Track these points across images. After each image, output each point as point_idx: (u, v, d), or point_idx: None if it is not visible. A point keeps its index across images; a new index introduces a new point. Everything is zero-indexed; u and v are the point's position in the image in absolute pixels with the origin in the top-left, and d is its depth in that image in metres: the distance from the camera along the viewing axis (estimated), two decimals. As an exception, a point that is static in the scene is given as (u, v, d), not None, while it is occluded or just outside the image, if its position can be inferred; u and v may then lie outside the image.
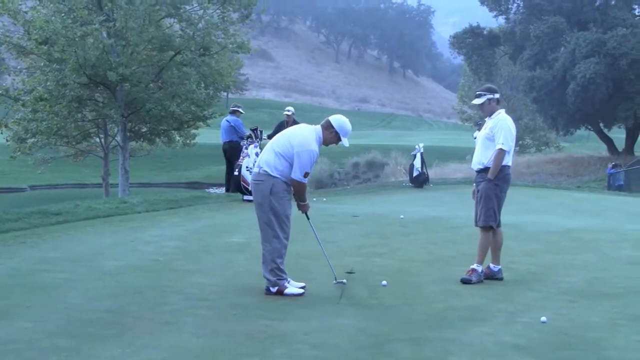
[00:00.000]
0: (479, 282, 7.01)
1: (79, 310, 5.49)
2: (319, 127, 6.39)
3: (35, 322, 5.12)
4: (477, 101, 7.30)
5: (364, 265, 7.69)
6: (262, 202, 6.24)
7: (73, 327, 5.05)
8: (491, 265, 7.21)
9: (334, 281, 6.66)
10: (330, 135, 6.36)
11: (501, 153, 7.01)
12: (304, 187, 6.35)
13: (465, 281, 6.97)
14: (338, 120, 6.38)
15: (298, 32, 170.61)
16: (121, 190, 23.79)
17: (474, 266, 7.10)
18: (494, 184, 7.07)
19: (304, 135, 6.28)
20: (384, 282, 6.71)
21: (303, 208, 6.56)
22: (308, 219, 6.69)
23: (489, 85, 7.64)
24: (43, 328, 4.98)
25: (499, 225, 7.24)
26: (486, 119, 7.36)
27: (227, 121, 15.71)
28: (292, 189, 6.32)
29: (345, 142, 6.40)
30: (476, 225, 7.29)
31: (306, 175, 6.20)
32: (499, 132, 7.04)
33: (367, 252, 8.61)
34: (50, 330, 4.95)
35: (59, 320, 5.22)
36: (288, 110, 15.91)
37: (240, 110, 15.95)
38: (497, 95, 7.25)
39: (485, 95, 7.22)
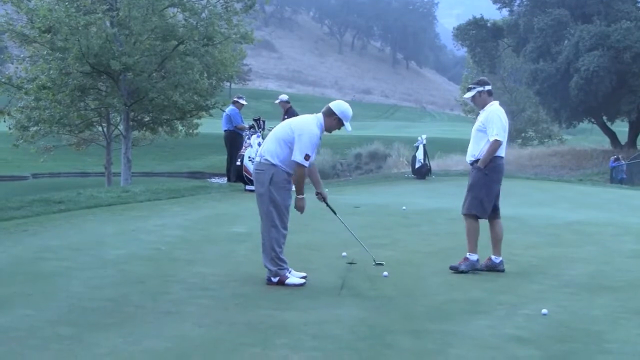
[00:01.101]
0: (470, 271, 7.01)
1: (81, 299, 5.50)
2: (320, 114, 6.42)
3: (37, 310, 5.13)
4: (467, 95, 7.39)
5: (366, 256, 7.69)
6: (262, 193, 6.26)
7: (74, 315, 5.06)
8: (492, 257, 7.22)
9: (374, 263, 7.14)
10: (333, 122, 6.38)
11: (496, 143, 7.02)
12: (304, 172, 6.31)
13: (452, 268, 7.01)
14: (339, 106, 6.41)
15: (301, 22, 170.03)
16: (123, 179, 23.79)
17: (467, 255, 7.12)
18: (483, 174, 7.09)
19: (305, 120, 6.38)
20: (385, 273, 6.74)
21: (321, 196, 6.74)
22: (328, 206, 6.89)
23: (480, 77, 7.69)
24: (45, 316, 4.99)
25: (498, 216, 7.27)
26: (480, 112, 7.38)
27: (223, 111, 16.04)
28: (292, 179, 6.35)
29: (347, 126, 6.41)
30: (461, 213, 7.31)
31: (307, 157, 6.17)
32: (490, 123, 7.07)
33: (368, 243, 8.56)
34: (51, 318, 4.96)
35: (61, 308, 5.23)
36: (279, 99, 15.37)
37: (241, 101, 15.73)
38: (487, 88, 7.27)
39: (475, 88, 7.28)
